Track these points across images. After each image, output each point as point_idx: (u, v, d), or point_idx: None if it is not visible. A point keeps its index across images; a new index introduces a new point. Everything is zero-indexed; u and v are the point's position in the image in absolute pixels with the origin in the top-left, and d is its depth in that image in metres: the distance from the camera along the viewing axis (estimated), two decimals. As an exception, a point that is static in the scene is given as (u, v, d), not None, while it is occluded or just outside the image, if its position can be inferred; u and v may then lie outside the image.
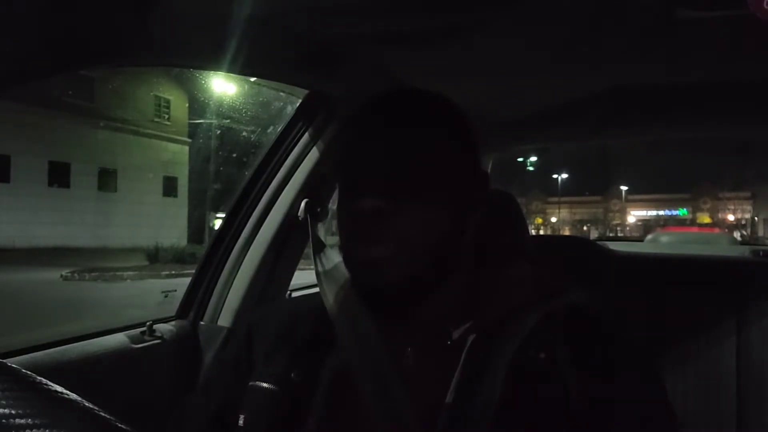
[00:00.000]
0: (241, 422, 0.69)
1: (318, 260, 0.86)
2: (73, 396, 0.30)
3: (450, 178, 0.66)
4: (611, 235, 40.75)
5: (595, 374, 0.62)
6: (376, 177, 0.63)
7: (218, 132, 12.92)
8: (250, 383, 0.70)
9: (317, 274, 0.82)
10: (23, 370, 0.33)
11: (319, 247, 0.94)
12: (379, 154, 0.65)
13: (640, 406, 0.64)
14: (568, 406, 0.60)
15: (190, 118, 18.45)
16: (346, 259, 0.69)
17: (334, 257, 0.83)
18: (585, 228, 50.43)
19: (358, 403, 0.64)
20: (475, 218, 0.70)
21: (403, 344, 0.67)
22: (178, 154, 19.60)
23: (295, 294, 1.48)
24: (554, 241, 1.96)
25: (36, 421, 0.28)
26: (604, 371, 0.63)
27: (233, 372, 0.75)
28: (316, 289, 0.79)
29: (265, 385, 0.69)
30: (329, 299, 0.73)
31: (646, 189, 56.67)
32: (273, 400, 0.68)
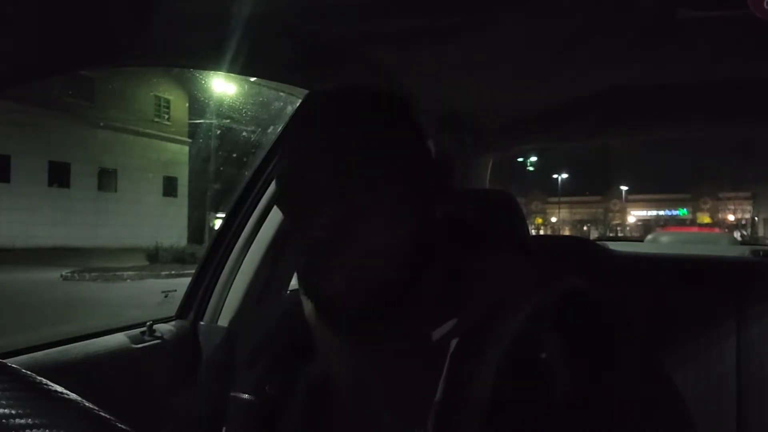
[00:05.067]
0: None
1: None
2: (73, 396, 0.30)
3: (399, 176, 0.61)
4: (611, 235, 40.76)
5: (593, 363, 0.59)
6: (319, 195, 0.59)
7: (218, 132, 12.92)
8: (231, 394, 0.68)
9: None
10: (23, 370, 0.33)
11: None
12: (318, 171, 0.60)
13: (643, 392, 0.60)
14: (563, 400, 0.57)
15: (190, 118, 18.46)
16: (304, 289, 0.63)
17: None
18: (585, 228, 50.43)
19: (338, 411, 0.62)
20: (441, 209, 0.66)
21: (382, 348, 0.63)
22: (178, 154, 19.59)
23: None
24: (554, 240, 1.96)
25: (36, 421, 0.27)
26: (602, 360, 0.59)
27: (216, 381, 0.73)
28: None
29: (244, 396, 0.67)
30: (307, 303, 0.69)
31: (646, 189, 56.70)
32: (251, 412, 0.66)
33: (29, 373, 0.33)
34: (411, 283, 0.62)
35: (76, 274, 10.87)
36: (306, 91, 1.29)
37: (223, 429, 0.67)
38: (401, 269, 0.61)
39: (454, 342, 0.61)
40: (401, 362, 0.62)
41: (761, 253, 2.63)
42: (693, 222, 48.54)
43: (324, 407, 0.63)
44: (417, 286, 0.63)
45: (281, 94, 1.42)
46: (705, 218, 49.29)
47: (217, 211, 12.89)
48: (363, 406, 0.61)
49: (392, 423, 0.60)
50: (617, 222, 53.93)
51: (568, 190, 54.20)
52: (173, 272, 10.51)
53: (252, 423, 0.66)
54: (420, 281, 0.63)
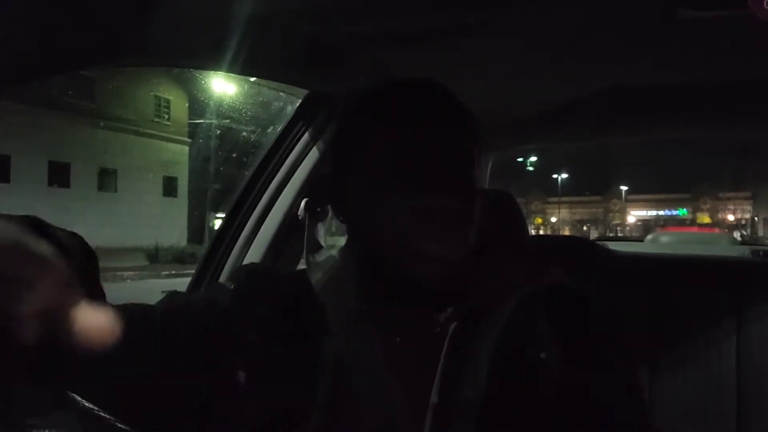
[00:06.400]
0: (240, 378, 0.67)
1: (311, 256, 0.84)
2: (74, 396, 0.30)
3: (478, 173, 0.69)
4: (611, 235, 40.78)
5: (573, 356, 0.62)
6: (443, 172, 0.64)
7: (218, 132, 12.91)
8: (251, 339, 0.69)
9: (308, 263, 0.81)
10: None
11: (314, 245, 0.93)
12: (441, 149, 0.65)
13: (612, 390, 0.64)
14: (550, 391, 0.61)
15: (190, 118, 18.44)
16: (394, 257, 0.65)
17: (327, 249, 0.83)
18: (585, 228, 50.46)
19: (349, 396, 0.64)
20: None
21: (392, 334, 0.66)
22: (178, 154, 19.58)
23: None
24: (554, 241, 1.96)
25: (36, 421, 0.28)
26: (581, 353, 0.63)
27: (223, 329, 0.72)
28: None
29: (263, 347, 0.68)
30: (321, 289, 0.72)
31: (646, 189, 56.74)
32: (272, 368, 0.67)
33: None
34: (468, 270, 0.67)
35: (76, 274, 10.86)
36: (306, 91, 1.29)
37: (240, 373, 0.67)
38: (470, 254, 0.66)
39: (452, 326, 0.65)
40: (407, 351, 0.65)
41: (761, 253, 2.62)
42: (693, 222, 48.60)
43: (336, 392, 0.65)
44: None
45: (281, 94, 1.42)
46: (705, 218, 49.35)
47: (217, 211, 12.89)
48: (371, 390, 0.63)
49: (397, 409, 0.62)
50: (617, 222, 53.96)
51: (568, 190, 54.26)
52: (173, 272, 10.51)
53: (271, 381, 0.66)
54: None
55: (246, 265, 0.84)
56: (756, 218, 46.95)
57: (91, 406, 0.29)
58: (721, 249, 3.52)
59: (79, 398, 0.29)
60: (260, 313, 0.71)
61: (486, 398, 0.60)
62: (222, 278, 1.35)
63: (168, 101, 19.45)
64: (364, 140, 0.69)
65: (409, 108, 0.68)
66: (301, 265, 1.40)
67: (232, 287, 0.78)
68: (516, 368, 0.61)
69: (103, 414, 0.29)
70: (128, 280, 10.72)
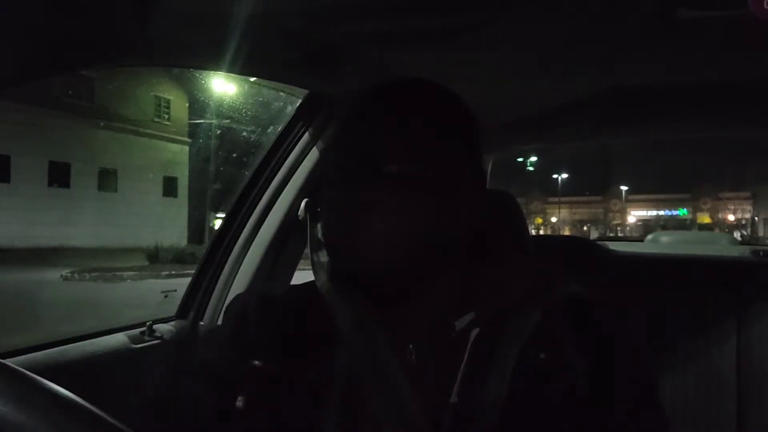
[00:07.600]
0: (240, 404, 0.67)
1: (315, 255, 0.84)
2: (73, 396, 0.30)
3: (459, 174, 0.66)
4: (611, 235, 40.82)
5: (596, 365, 0.62)
6: (394, 165, 0.62)
7: (218, 132, 12.91)
8: (253, 364, 0.68)
9: (313, 263, 0.81)
10: (23, 370, 0.33)
11: (318, 245, 0.92)
12: (399, 144, 0.64)
13: (635, 396, 0.64)
14: (574, 400, 0.60)
15: (190, 118, 18.42)
16: (341, 249, 0.66)
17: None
18: (585, 228, 50.43)
19: (363, 404, 0.63)
20: (474, 216, 0.69)
21: (405, 340, 0.66)
22: (178, 154, 19.57)
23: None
24: (554, 241, 1.96)
25: (36, 422, 0.27)
26: (604, 361, 0.63)
27: (230, 352, 0.72)
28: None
29: (267, 369, 0.68)
30: (329, 294, 0.71)
31: (646, 189, 56.73)
32: (277, 387, 0.66)
33: (29, 372, 0.33)
34: (435, 274, 0.66)
35: (76, 274, 10.87)
36: (306, 92, 1.29)
37: (239, 399, 0.67)
38: (438, 248, 0.64)
39: (471, 341, 0.64)
40: (422, 357, 0.65)
41: (761, 253, 2.62)
42: (693, 222, 48.62)
43: (350, 399, 0.64)
44: (439, 280, 0.66)
45: (281, 94, 1.42)
46: (705, 218, 49.35)
47: (217, 211, 12.89)
48: (385, 397, 0.62)
49: (413, 416, 0.61)
50: (617, 222, 53.94)
51: (568, 190, 54.22)
52: (173, 272, 10.50)
53: (277, 396, 0.66)
54: (443, 276, 0.67)
55: (239, 295, 0.84)
56: (756, 218, 46.95)
57: (90, 406, 0.29)
58: (721, 249, 3.52)
59: (78, 398, 0.29)
60: (265, 340, 0.70)
61: (509, 404, 0.59)
62: (220, 281, 1.36)
63: (168, 101, 19.44)
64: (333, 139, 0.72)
65: (378, 101, 0.69)
66: (303, 266, 1.41)
67: (228, 324, 0.78)
68: (540, 376, 0.61)
69: (102, 414, 0.28)
70: (128, 280, 10.72)
